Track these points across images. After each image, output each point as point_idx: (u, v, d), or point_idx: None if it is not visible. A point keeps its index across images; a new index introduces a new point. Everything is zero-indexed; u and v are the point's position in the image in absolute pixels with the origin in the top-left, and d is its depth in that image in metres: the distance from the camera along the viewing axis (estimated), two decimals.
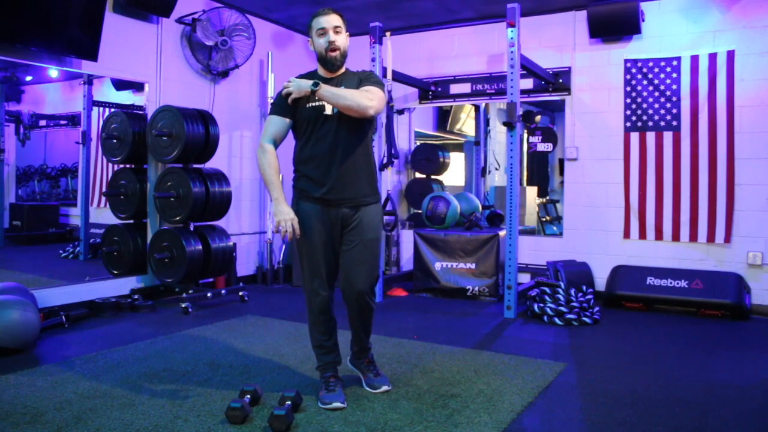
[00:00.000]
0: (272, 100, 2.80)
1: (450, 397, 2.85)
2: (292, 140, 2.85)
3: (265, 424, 2.48)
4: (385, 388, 2.89)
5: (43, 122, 6.05)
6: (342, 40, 2.69)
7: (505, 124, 4.58)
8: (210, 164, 5.07)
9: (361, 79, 2.74)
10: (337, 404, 2.68)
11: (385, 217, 5.51)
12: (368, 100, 2.59)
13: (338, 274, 2.83)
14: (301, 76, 2.76)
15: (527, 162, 8.84)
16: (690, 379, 3.18)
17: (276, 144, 2.73)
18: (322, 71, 2.76)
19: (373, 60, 5.13)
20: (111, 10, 4.65)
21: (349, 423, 2.53)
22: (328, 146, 2.67)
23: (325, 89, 2.59)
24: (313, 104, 2.68)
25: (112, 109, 5.32)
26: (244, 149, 5.95)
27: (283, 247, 6.14)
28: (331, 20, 2.67)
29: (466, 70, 6.01)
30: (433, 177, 6.92)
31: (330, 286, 2.80)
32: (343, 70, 2.78)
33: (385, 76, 5.22)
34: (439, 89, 6.13)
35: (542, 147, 6.71)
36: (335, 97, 2.58)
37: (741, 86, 4.87)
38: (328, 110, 2.67)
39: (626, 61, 5.26)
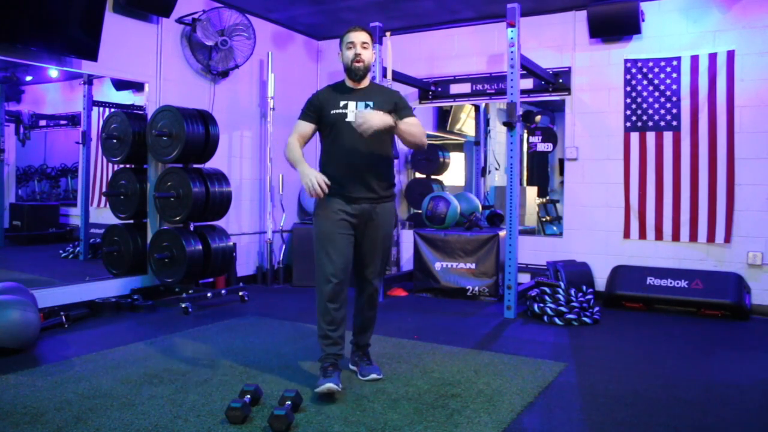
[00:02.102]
0: (302, 106, 3.11)
1: (450, 397, 2.85)
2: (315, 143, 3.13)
3: (265, 424, 2.48)
4: (374, 375, 3.05)
5: (43, 122, 6.05)
6: (368, 54, 3.00)
7: (505, 124, 4.58)
8: (210, 164, 5.07)
9: (396, 104, 3.00)
10: (330, 385, 2.74)
11: None
12: (425, 136, 2.99)
13: (351, 266, 2.99)
14: (330, 86, 3.09)
15: (527, 162, 8.82)
16: (690, 379, 3.18)
17: (301, 143, 3.02)
18: (348, 82, 3.04)
19: None
20: (111, 10, 4.65)
21: (349, 423, 2.53)
22: (348, 149, 2.93)
23: (401, 125, 2.87)
24: (337, 111, 2.96)
25: (112, 109, 5.32)
26: (244, 149, 5.95)
27: (283, 247, 6.14)
28: (360, 36, 2.98)
29: (466, 70, 6.01)
30: (433, 177, 6.93)
31: (343, 274, 2.89)
32: (367, 81, 3.06)
33: (385, 76, 5.22)
34: (439, 89, 6.13)
35: (542, 147, 6.71)
36: (409, 134, 2.90)
37: (741, 86, 4.87)
38: (350, 117, 2.93)
39: (626, 61, 5.26)
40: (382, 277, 3.14)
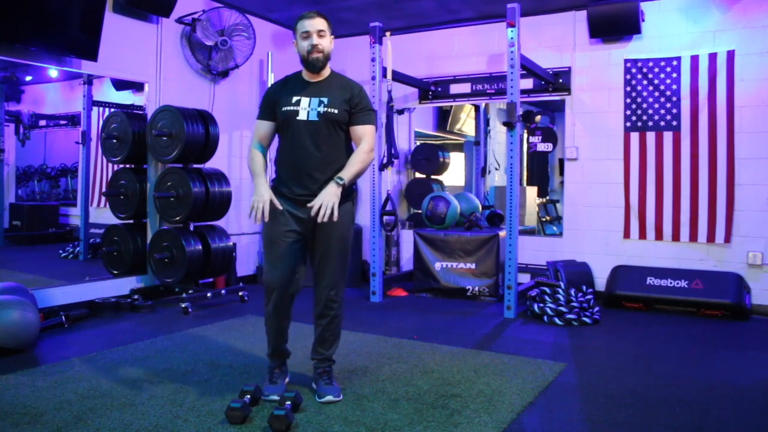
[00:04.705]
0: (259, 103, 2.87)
1: (450, 397, 2.85)
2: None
3: (265, 424, 2.48)
4: (330, 398, 2.74)
5: (43, 122, 6.06)
6: (326, 43, 2.72)
7: (505, 124, 4.58)
8: (210, 164, 5.07)
9: (352, 102, 2.74)
10: (274, 397, 2.73)
11: (385, 217, 5.51)
12: (369, 153, 2.75)
13: (301, 273, 2.81)
14: (287, 78, 2.85)
15: (527, 162, 8.83)
16: (690, 379, 3.18)
17: (264, 146, 2.84)
18: (305, 74, 2.80)
19: (373, 60, 5.13)
20: (111, 10, 4.65)
21: (349, 423, 2.53)
22: (299, 148, 2.72)
23: (348, 179, 2.67)
24: (288, 108, 2.73)
25: (112, 109, 5.33)
26: (244, 149, 5.95)
27: None
28: (316, 24, 2.71)
29: (466, 70, 6.01)
30: (433, 177, 6.92)
31: (286, 284, 2.76)
32: (327, 72, 2.80)
33: (385, 76, 5.22)
34: (439, 89, 6.13)
35: (542, 147, 6.72)
36: (357, 176, 2.73)
37: (741, 86, 4.87)
38: (302, 115, 2.71)
39: (626, 61, 5.25)
40: (341, 287, 2.82)
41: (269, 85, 2.87)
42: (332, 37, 2.78)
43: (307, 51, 2.70)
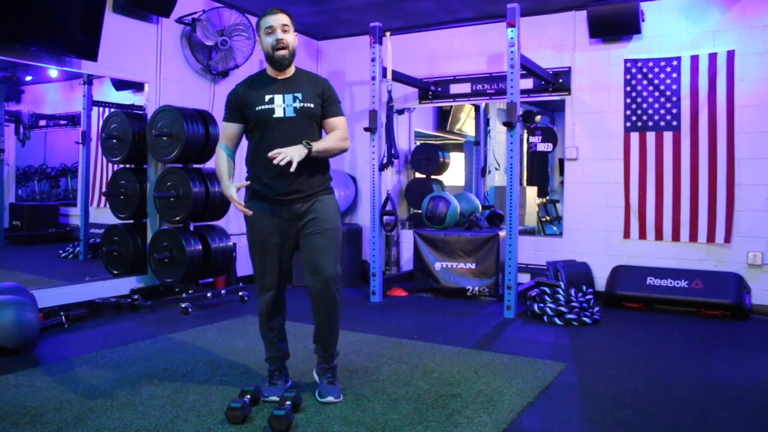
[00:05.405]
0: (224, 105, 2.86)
1: (450, 397, 2.85)
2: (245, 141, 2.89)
3: (265, 424, 2.48)
4: (330, 399, 2.76)
5: (43, 122, 6.06)
6: (290, 38, 2.71)
7: (505, 124, 4.58)
8: (210, 164, 5.06)
9: (323, 95, 2.77)
10: (273, 398, 2.74)
11: (385, 217, 5.51)
12: (345, 141, 2.79)
13: (290, 273, 2.86)
14: (252, 78, 2.83)
15: (527, 162, 8.83)
16: (690, 379, 3.18)
17: (231, 149, 2.83)
18: (271, 71, 2.77)
19: (373, 60, 5.13)
20: (111, 10, 4.65)
21: (349, 423, 2.53)
22: (277, 146, 2.64)
23: (317, 148, 2.66)
24: (263, 107, 2.70)
25: (112, 109, 5.33)
26: (244, 149, 5.92)
27: None
28: (279, 19, 2.69)
29: (466, 70, 6.01)
30: (433, 177, 6.92)
31: (279, 284, 2.85)
32: (293, 69, 2.79)
33: (385, 76, 5.22)
34: (439, 89, 6.13)
35: (542, 147, 6.72)
36: (326, 152, 2.74)
37: (741, 86, 4.87)
38: (278, 113, 2.69)
39: (626, 61, 5.25)
40: (339, 279, 2.77)
41: (235, 85, 2.84)
42: (296, 33, 2.76)
43: (273, 47, 2.68)
